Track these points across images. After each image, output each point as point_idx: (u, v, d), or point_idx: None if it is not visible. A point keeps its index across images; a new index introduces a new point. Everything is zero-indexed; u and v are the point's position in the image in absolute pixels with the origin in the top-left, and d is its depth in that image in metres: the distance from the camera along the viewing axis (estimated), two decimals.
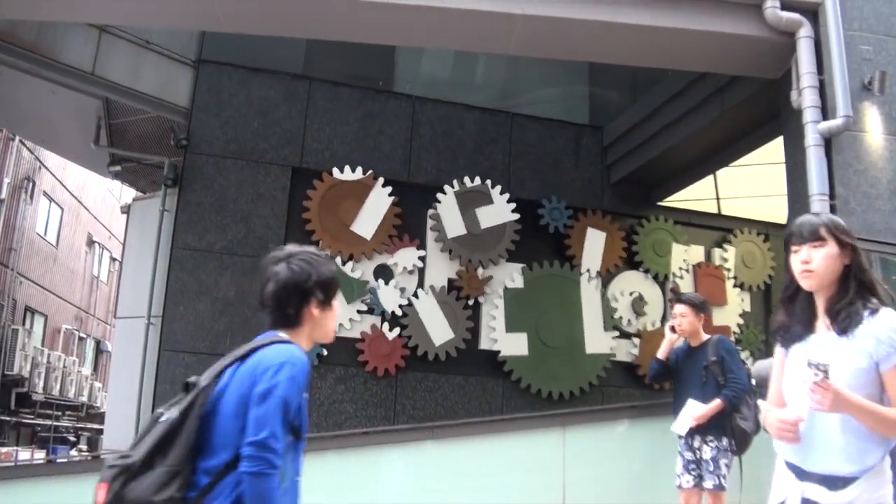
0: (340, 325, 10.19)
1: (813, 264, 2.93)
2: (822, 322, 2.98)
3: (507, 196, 11.13)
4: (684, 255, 12.06)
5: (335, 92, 10.96)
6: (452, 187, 10.99)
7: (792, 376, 3.01)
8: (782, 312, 3.14)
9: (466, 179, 11.07)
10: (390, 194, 10.70)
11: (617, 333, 11.37)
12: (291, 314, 2.93)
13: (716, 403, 5.86)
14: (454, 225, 10.87)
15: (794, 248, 3.00)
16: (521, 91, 12.26)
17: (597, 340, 11.25)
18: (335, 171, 10.54)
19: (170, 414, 2.69)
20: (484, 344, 10.79)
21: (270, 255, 2.97)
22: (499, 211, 11.07)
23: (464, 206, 10.96)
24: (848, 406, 2.69)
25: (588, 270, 11.47)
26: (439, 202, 10.91)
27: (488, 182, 11.12)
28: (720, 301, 12.08)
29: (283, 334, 2.90)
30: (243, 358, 2.81)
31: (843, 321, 2.87)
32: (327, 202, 10.44)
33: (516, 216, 11.07)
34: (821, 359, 2.68)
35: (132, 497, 2.51)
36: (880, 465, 2.79)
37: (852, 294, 2.91)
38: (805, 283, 2.97)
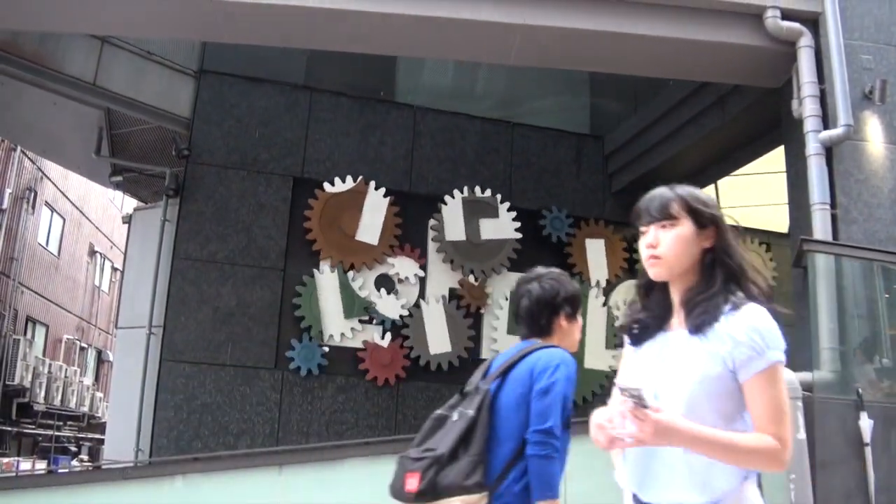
0: (342, 334, 10.20)
1: (661, 248, 2.37)
2: (678, 317, 2.40)
3: (513, 214, 11.14)
4: None
5: (336, 102, 10.97)
6: (462, 193, 11.01)
7: (633, 378, 2.42)
8: (637, 305, 2.57)
9: (477, 189, 11.11)
10: (385, 195, 10.72)
11: (617, 352, 11.33)
12: (543, 325, 3.39)
13: None
14: (456, 230, 10.88)
15: (641, 228, 2.44)
16: (522, 101, 12.26)
17: (597, 356, 11.21)
18: (326, 185, 10.53)
19: (458, 413, 3.16)
20: (485, 354, 10.77)
21: (523, 276, 3.50)
22: (502, 226, 11.07)
23: (468, 214, 10.96)
24: (677, 436, 2.11)
25: (597, 283, 11.50)
26: (445, 204, 10.94)
27: (498, 196, 11.13)
28: None
29: (541, 342, 3.34)
30: (515, 363, 3.25)
31: (696, 317, 2.29)
32: (327, 214, 10.44)
33: (518, 235, 11.07)
34: (631, 383, 2.14)
35: (445, 483, 2.96)
36: (737, 491, 2.23)
37: (714, 285, 2.32)
38: (652, 272, 2.40)
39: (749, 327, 2.20)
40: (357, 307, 10.33)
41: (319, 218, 10.41)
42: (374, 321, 10.41)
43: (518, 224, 11.10)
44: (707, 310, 2.28)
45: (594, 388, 11.06)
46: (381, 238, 10.57)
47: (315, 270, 10.31)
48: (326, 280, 10.29)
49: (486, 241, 10.94)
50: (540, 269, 3.48)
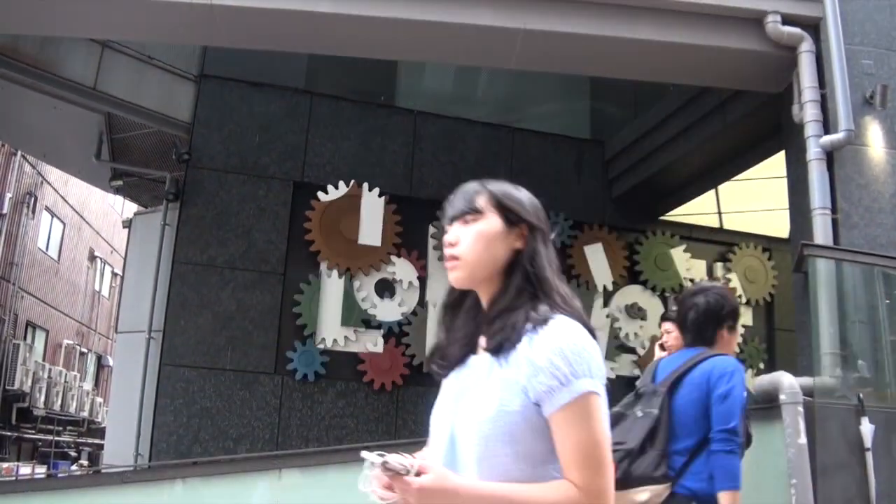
0: (346, 338, 10.17)
1: (459, 247, 1.96)
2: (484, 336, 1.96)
3: None
4: (687, 269, 12.01)
5: (337, 107, 10.97)
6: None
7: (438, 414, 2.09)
8: (442, 328, 2.14)
9: None
10: (386, 200, 10.70)
11: (615, 364, 11.29)
12: (708, 336, 3.74)
13: None
14: None
15: (446, 227, 2.05)
16: (522, 106, 12.26)
17: None
18: (320, 194, 10.51)
19: (641, 411, 3.56)
20: None
21: (689, 289, 3.92)
22: None
23: None
24: (448, 499, 1.72)
25: (604, 287, 11.53)
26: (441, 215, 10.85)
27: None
28: None
29: (710, 350, 3.69)
30: (690, 369, 3.60)
31: (492, 337, 1.88)
32: (328, 219, 10.42)
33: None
34: (371, 455, 1.73)
35: (637, 474, 3.35)
36: None
37: (513, 295, 1.90)
38: (451, 277, 1.98)
39: (552, 349, 1.76)
40: (355, 317, 10.30)
41: (319, 224, 10.39)
42: (374, 325, 10.37)
43: None
44: (503, 327, 1.87)
45: None
46: (382, 239, 10.55)
47: (319, 274, 10.30)
48: (330, 285, 10.27)
49: None
50: (705, 283, 3.92)
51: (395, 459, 1.73)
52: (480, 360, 1.93)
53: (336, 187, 10.48)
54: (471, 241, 1.95)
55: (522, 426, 1.77)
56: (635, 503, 3.36)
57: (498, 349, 1.85)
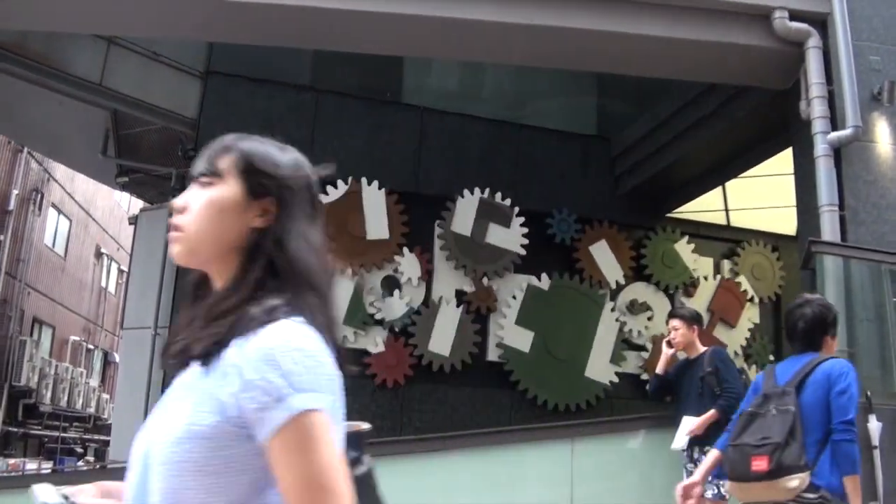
0: (355, 333, 10.13)
1: (186, 215, 1.59)
2: None
3: (523, 229, 11.05)
4: (694, 266, 11.99)
5: (343, 103, 10.94)
6: (472, 193, 10.98)
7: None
8: (180, 315, 1.72)
9: (497, 194, 11.07)
10: (394, 198, 10.68)
11: (619, 368, 11.25)
12: (816, 342, 4.23)
13: (709, 414, 5.86)
14: (463, 226, 10.85)
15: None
16: (528, 102, 12.23)
17: (598, 369, 11.11)
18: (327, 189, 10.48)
19: (775, 409, 4.01)
20: (492, 356, 10.74)
21: (792, 303, 4.43)
22: (510, 237, 11.00)
23: (480, 215, 10.94)
24: None
25: (616, 283, 11.53)
26: (462, 197, 10.93)
27: (516, 209, 11.08)
28: (731, 321, 12.02)
29: (822, 354, 4.18)
30: (810, 372, 4.08)
31: (195, 338, 1.49)
32: (332, 217, 10.38)
33: (522, 251, 10.99)
34: (48, 495, 1.47)
35: (787, 464, 3.82)
36: None
37: (249, 286, 1.50)
38: (172, 250, 1.61)
39: (262, 358, 1.37)
40: (358, 318, 10.26)
41: (325, 221, 10.32)
42: (377, 322, 10.36)
43: (525, 240, 11.02)
44: (211, 327, 1.47)
45: (589, 398, 11.00)
46: (389, 235, 10.53)
47: None
48: (344, 284, 10.24)
49: (490, 245, 10.89)
50: (807, 295, 4.44)
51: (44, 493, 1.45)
52: (192, 368, 1.52)
53: (335, 186, 10.43)
54: (196, 210, 1.57)
55: (217, 453, 1.37)
56: (788, 489, 3.84)
57: (202, 354, 1.46)
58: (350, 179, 10.52)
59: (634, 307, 11.53)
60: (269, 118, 10.55)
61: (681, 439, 5.94)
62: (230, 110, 10.46)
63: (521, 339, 10.85)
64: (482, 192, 10.98)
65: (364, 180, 10.54)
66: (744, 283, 12.19)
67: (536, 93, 12.21)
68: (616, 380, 11.09)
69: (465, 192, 10.92)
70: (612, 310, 11.42)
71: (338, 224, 10.31)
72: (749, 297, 12.16)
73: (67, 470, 17.00)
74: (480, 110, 11.63)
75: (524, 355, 10.80)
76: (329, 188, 10.42)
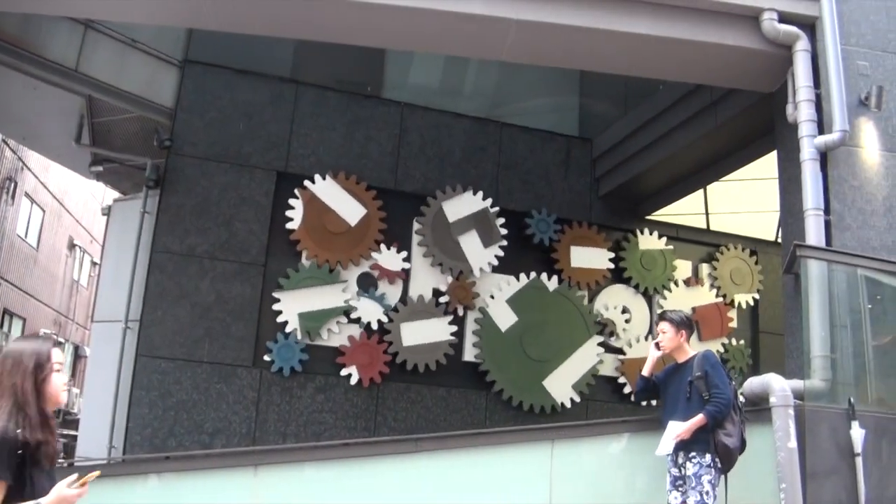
0: (322, 332, 10.02)
1: None
2: None
3: (503, 230, 11.00)
4: (673, 269, 11.95)
5: (323, 96, 10.80)
6: (454, 191, 10.93)
7: None
8: None
9: (465, 189, 10.99)
10: (375, 194, 10.58)
11: (592, 381, 11.19)
12: None
13: (697, 419, 5.74)
14: (441, 225, 10.79)
15: None
16: (510, 101, 12.13)
17: (558, 386, 10.97)
18: (307, 183, 10.40)
19: None
20: (468, 356, 10.64)
21: None
22: (483, 254, 10.92)
23: (462, 215, 10.89)
24: None
25: (590, 285, 11.48)
26: (435, 198, 10.84)
27: (496, 208, 11.05)
28: (715, 334, 12.00)
29: None
30: None
31: None
32: (311, 211, 10.27)
33: (495, 262, 10.92)
34: None
35: None
36: None
37: None
38: None
39: None
40: (334, 315, 10.16)
41: (303, 215, 10.23)
42: (354, 320, 10.23)
43: (501, 253, 10.95)
44: None
45: (555, 403, 10.92)
46: (367, 232, 10.42)
47: (300, 265, 10.15)
48: (310, 277, 10.12)
49: (468, 245, 10.81)
50: None
51: None
52: None
53: (313, 181, 10.34)
54: None
55: None
56: None
57: None
58: (340, 173, 10.42)
59: (616, 311, 11.49)
60: (247, 110, 10.40)
61: (667, 444, 5.84)
62: (208, 100, 10.30)
63: (504, 318, 10.84)
64: (463, 191, 10.88)
65: (317, 177, 10.44)
66: (702, 273, 12.31)
67: (519, 91, 12.12)
68: (568, 405, 10.96)
69: (448, 188, 10.81)
70: (588, 303, 11.41)
71: (314, 215, 10.22)
72: (723, 295, 12.16)
73: None
74: (462, 107, 11.52)
75: (497, 347, 10.70)
76: (307, 182, 10.32)
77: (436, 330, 10.49)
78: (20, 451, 2.91)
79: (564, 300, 11.22)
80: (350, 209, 10.44)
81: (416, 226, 10.76)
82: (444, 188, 10.85)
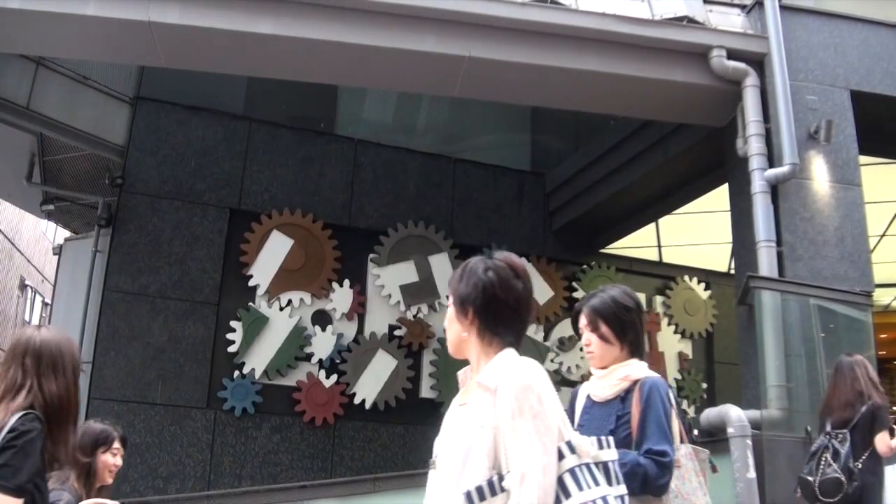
0: (277, 371, 9.90)
1: None
2: None
3: (455, 252, 10.97)
4: None
5: (275, 133, 10.76)
6: (405, 227, 10.87)
7: None
8: None
9: (421, 224, 10.98)
10: (323, 229, 10.53)
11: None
12: None
13: None
14: (398, 265, 10.75)
15: None
16: (463, 136, 12.19)
17: None
18: (263, 218, 10.35)
19: None
20: (425, 393, 10.57)
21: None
22: (444, 265, 10.90)
23: (413, 249, 10.86)
24: None
25: (545, 318, 11.50)
26: (387, 236, 10.79)
27: (441, 233, 11.04)
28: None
29: None
30: None
31: None
32: (264, 249, 10.21)
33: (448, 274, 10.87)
34: None
35: None
36: None
37: None
38: None
39: None
40: (289, 354, 10.07)
41: (257, 251, 10.16)
42: (306, 357, 10.13)
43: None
44: None
45: None
46: (322, 270, 10.36)
47: (254, 304, 10.05)
48: (273, 318, 10.04)
49: (429, 278, 10.79)
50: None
51: None
52: None
53: (269, 216, 10.28)
54: None
55: None
56: None
57: None
58: (297, 211, 10.38)
59: (565, 344, 11.49)
60: (199, 147, 10.32)
61: None
62: (160, 138, 10.20)
63: None
64: (415, 226, 10.87)
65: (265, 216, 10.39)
66: (656, 305, 12.33)
67: (472, 127, 12.19)
68: None
69: (399, 225, 10.80)
70: (535, 334, 11.36)
71: (267, 253, 10.18)
72: (676, 325, 12.21)
73: None
74: (415, 143, 11.54)
75: (455, 382, 10.57)
76: (260, 219, 10.25)
77: (392, 367, 10.42)
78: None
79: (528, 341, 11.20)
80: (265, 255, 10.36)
81: (370, 264, 10.71)
82: (397, 224, 10.83)
